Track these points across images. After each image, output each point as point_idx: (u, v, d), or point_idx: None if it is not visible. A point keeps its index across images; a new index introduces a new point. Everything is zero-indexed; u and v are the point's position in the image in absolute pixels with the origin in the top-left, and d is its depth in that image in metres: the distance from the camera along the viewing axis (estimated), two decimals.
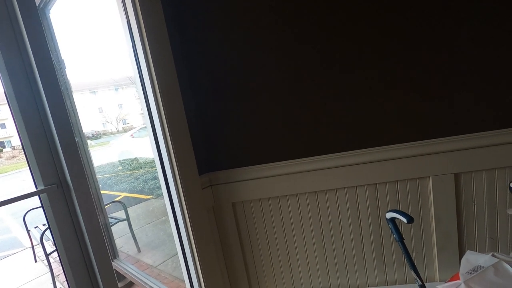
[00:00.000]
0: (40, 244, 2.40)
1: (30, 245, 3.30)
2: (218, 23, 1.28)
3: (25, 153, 0.93)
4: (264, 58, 1.28)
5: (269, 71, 1.29)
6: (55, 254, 1.02)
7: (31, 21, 0.88)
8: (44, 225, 2.69)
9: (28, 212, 2.83)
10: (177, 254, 1.38)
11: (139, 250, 2.90)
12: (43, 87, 0.89)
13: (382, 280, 1.42)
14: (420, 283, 1.02)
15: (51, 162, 0.96)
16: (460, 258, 1.25)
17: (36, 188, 0.96)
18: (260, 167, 1.37)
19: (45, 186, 0.95)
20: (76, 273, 1.01)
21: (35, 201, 1.01)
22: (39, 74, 0.88)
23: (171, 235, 1.36)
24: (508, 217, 1.29)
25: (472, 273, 0.75)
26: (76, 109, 2.12)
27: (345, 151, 1.30)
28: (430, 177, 1.28)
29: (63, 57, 2.03)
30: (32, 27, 0.88)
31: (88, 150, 2.21)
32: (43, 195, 0.96)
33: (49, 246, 2.29)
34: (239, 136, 1.37)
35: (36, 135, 0.93)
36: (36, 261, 3.24)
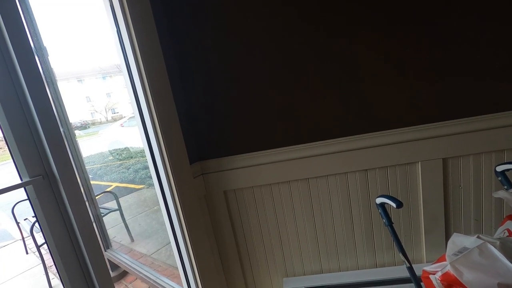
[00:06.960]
0: (31, 236, 2.37)
1: (21, 237, 3.27)
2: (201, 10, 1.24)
3: (7, 144, 0.90)
4: (253, 46, 1.25)
5: (257, 60, 1.27)
6: (47, 245, 1.01)
7: (5, 3, 0.83)
8: (33, 216, 2.65)
9: (17, 204, 2.79)
10: (170, 242, 1.38)
11: (132, 240, 2.91)
12: (22, 75, 0.85)
13: (372, 263, 1.46)
14: (408, 265, 1.05)
15: (36, 153, 0.93)
16: (447, 240, 1.29)
17: (21, 180, 0.93)
18: (252, 155, 1.36)
19: (30, 178, 0.92)
20: (68, 265, 1.00)
21: (22, 193, 0.98)
22: (17, 60, 0.84)
23: (164, 224, 1.36)
24: (492, 199, 1.33)
25: (458, 255, 0.77)
26: (61, 98, 2.05)
27: (336, 138, 1.30)
28: (419, 163, 1.30)
29: (45, 44, 1.95)
30: (6, 9, 0.83)
31: (75, 140, 2.16)
32: (29, 187, 0.94)
33: (40, 238, 2.27)
34: (230, 124, 1.36)
35: (18, 125, 0.89)
36: (27, 253, 3.22)
